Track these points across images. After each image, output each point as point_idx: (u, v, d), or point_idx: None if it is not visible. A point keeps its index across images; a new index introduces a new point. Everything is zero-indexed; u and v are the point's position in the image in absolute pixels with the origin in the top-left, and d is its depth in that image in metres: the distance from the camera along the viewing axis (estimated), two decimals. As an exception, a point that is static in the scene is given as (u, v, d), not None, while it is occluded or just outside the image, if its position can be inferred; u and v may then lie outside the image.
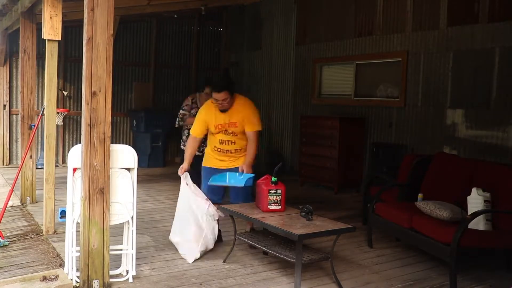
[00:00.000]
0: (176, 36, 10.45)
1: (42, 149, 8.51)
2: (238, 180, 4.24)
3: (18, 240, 4.58)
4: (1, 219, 4.69)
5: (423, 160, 5.21)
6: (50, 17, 4.75)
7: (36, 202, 5.93)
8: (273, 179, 4.07)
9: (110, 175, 3.45)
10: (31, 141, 5.55)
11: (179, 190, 4.08)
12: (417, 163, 5.14)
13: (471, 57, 5.94)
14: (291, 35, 9.10)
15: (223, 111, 4.37)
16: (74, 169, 3.61)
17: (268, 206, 4.04)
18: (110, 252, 3.53)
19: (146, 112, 9.48)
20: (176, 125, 6.15)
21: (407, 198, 4.89)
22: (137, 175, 3.75)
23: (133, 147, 3.79)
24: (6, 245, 4.37)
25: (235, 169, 4.41)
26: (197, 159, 4.76)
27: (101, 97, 3.34)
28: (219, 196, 4.56)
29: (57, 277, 3.38)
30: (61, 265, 3.90)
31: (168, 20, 10.24)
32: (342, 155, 7.27)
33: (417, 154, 5.73)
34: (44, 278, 3.36)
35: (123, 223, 3.78)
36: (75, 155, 3.59)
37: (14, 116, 8.92)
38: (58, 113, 8.25)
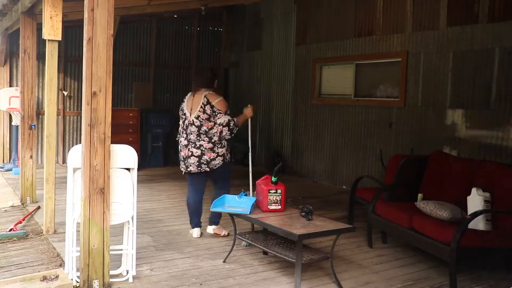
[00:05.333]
0: (176, 36, 10.45)
1: (15, 150, 8.51)
2: (243, 208, 4.13)
3: (18, 240, 4.59)
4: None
5: (410, 161, 5.22)
6: (50, 17, 4.75)
7: (36, 202, 5.93)
8: (273, 179, 4.07)
9: (110, 175, 3.45)
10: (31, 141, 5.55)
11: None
12: (404, 164, 5.14)
13: (471, 57, 5.94)
14: (291, 35, 9.10)
15: None
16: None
17: (268, 206, 4.05)
18: (110, 252, 3.53)
19: (146, 112, 9.48)
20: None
21: (395, 199, 4.90)
22: (137, 175, 3.75)
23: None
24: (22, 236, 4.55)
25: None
26: None
27: (101, 97, 3.35)
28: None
29: (57, 277, 3.39)
30: (61, 265, 3.90)
31: (168, 20, 10.24)
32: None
33: (404, 155, 5.72)
34: (44, 278, 3.37)
35: (123, 223, 3.79)
36: (75, 155, 3.60)
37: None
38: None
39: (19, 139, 6.57)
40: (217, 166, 4.70)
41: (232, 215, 4.20)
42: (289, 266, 4.02)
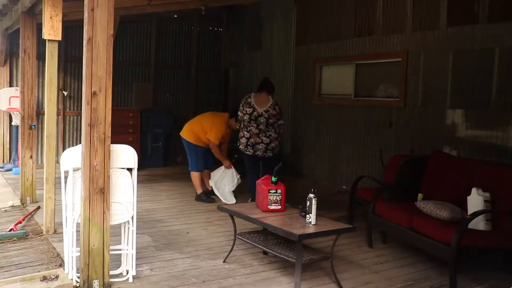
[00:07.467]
0: (176, 36, 10.44)
1: (15, 150, 8.50)
2: None
3: (18, 240, 4.59)
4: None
5: (410, 161, 5.23)
6: (50, 17, 4.75)
7: (36, 202, 5.93)
8: (273, 179, 4.07)
9: (110, 175, 3.45)
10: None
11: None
12: (404, 164, 5.15)
13: (471, 57, 5.94)
14: (291, 35, 9.10)
15: None
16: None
17: (268, 206, 4.04)
18: (110, 252, 3.53)
19: (146, 112, 9.48)
20: None
21: (395, 199, 4.91)
22: (137, 175, 3.75)
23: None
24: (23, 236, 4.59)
25: None
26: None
27: (101, 97, 3.35)
28: None
29: (57, 277, 3.39)
30: (61, 265, 3.90)
31: (168, 20, 10.23)
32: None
33: (404, 155, 5.73)
34: (44, 278, 3.37)
35: (123, 223, 3.78)
36: (68, 157, 3.62)
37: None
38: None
39: (19, 139, 6.57)
40: (275, 151, 5.90)
41: (232, 215, 4.20)
42: (289, 266, 4.02)
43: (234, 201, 6.44)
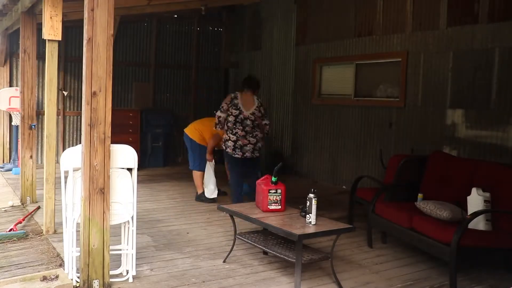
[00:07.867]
0: (176, 36, 10.44)
1: (15, 150, 8.50)
2: None
3: (18, 240, 4.59)
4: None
5: (410, 161, 5.23)
6: (50, 17, 4.75)
7: (36, 202, 5.93)
8: (273, 179, 4.08)
9: (110, 175, 3.45)
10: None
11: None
12: (404, 164, 5.15)
13: (471, 57, 5.94)
14: (291, 35, 9.10)
15: None
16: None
17: (268, 206, 4.05)
18: (110, 252, 3.53)
19: (146, 112, 9.49)
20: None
21: (395, 199, 4.91)
22: (137, 175, 3.75)
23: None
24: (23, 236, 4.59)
25: None
26: None
27: (101, 97, 3.35)
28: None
29: (57, 277, 3.39)
30: (61, 265, 3.90)
31: (168, 20, 10.23)
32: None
33: (404, 155, 5.74)
34: (44, 278, 3.37)
35: (123, 223, 3.78)
36: (68, 157, 3.62)
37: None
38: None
39: (19, 139, 6.57)
40: (261, 151, 6.04)
41: (232, 215, 4.20)
42: (289, 266, 4.02)
43: (215, 196, 6.55)
